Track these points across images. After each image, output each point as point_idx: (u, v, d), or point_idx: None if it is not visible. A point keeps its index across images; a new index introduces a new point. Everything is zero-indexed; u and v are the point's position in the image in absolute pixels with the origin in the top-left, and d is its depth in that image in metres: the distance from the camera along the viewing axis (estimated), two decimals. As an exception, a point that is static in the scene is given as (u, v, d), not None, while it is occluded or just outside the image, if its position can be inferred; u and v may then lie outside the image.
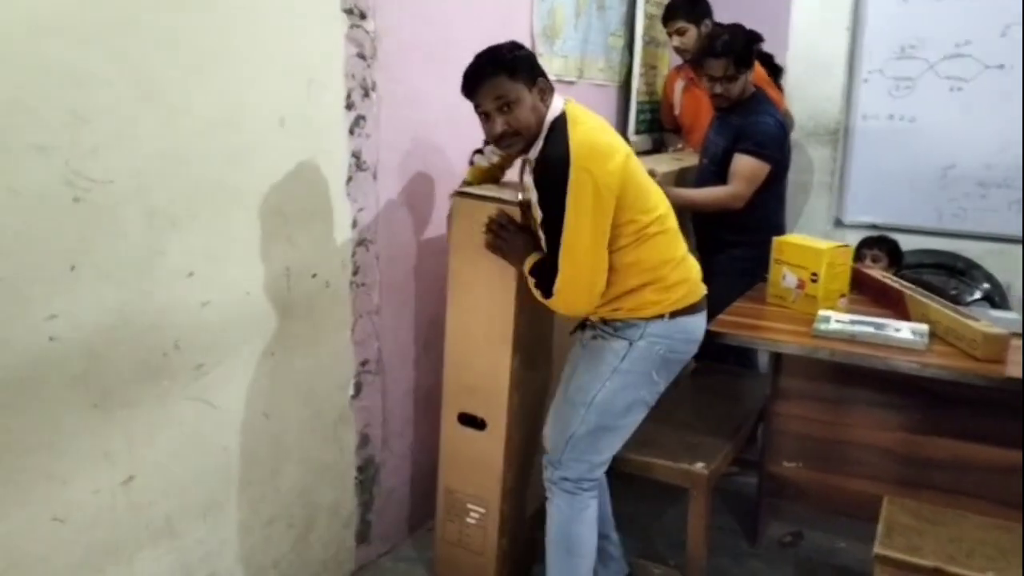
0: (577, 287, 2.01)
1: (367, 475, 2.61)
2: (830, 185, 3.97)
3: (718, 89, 3.02)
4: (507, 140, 2.06)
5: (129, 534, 1.89)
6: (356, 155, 2.37)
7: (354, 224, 2.41)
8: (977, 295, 3.59)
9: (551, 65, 3.23)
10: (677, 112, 3.85)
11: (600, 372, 2.14)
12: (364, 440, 2.57)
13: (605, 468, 2.26)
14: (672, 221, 2.17)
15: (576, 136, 1.99)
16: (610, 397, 2.14)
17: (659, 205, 2.13)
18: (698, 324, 2.22)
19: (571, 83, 3.42)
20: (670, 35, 3.62)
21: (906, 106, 3.82)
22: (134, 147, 1.77)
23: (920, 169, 3.83)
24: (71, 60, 1.63)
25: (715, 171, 3.11)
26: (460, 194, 2.37)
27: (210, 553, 2.11)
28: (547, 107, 2.06)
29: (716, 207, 3.06)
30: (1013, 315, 2.78)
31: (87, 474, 1.78)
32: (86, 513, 1.79)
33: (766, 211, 3.10)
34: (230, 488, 2.15)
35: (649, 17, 3.83)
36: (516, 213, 2.27)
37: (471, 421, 2.46)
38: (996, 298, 3.62)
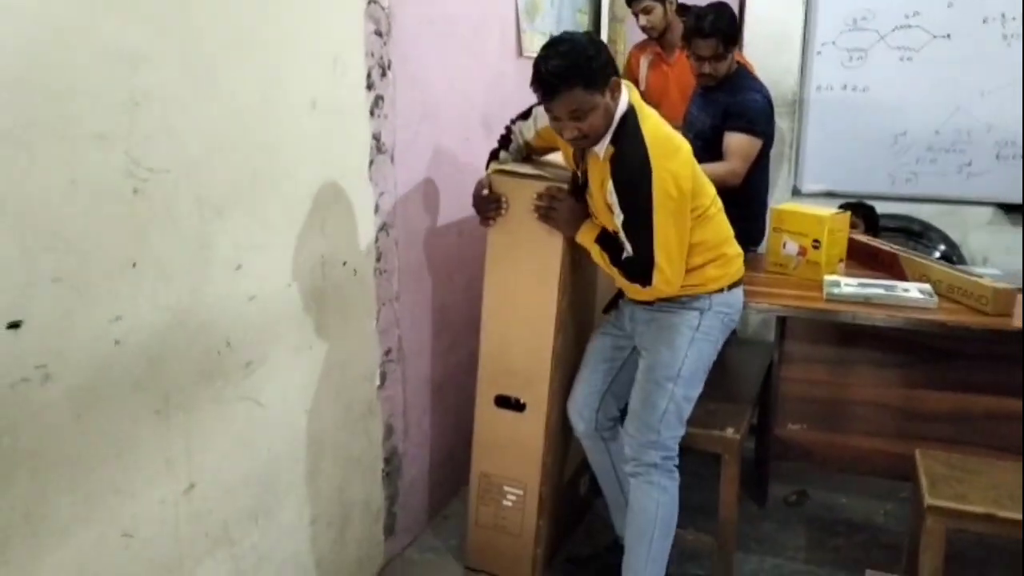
0: (674, 272, 2.09)
1: (392, 467, 2.54)
2: (788, 155, 4.09)
3: (707, 69, 3.04)
4: (576, 142, 2.08)
5: (191, 544, 1.78)
6: (376, 137, 2.29)
7: (376, 209, 2.33)
8: (936, 255, 3.77)
9: (532, 42, 3.20)
10: (643, 89, 3.88)
11: (678, 345, 2.19)
12: (389, 431, 2.51)
13: None
14: (720, 200, 2.25)
15: (649, 132, 2.03)
16: (693, 366, 2.21)
17: (711, 186, 2.21)
18: (742, 295, 2.34)
19: (548, 60, 3.39)
20: (636, 14, 3.63)
21: (859, 76, 3.96)
22: (185, 133, 1.65)
23: (873, 137, 3.98)
24: (126, 41, 1.51)
25: (702, 146, 3.13)
26: (499, 172, 2.33)
27: (262, 558, 2.02)
28: (617, 103, 2.05)
29: (714, 183, 3.10)
30: (994, 271, 2.93)
31: (152, 484, 1.67)
32: (152, 526, 1.68)
33: (755, 183, 3.15)
34: (278, 489, 2.06)
35: (611, -8, 3.84)
36: (564, 188, 2.26)
37: (508, 403, 2.43)
38: (954, 257, 3.81)
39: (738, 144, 3.00)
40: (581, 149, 2.17)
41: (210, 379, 1.79)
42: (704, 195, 2.15)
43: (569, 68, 1.94)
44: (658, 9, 3.58)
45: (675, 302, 2.19)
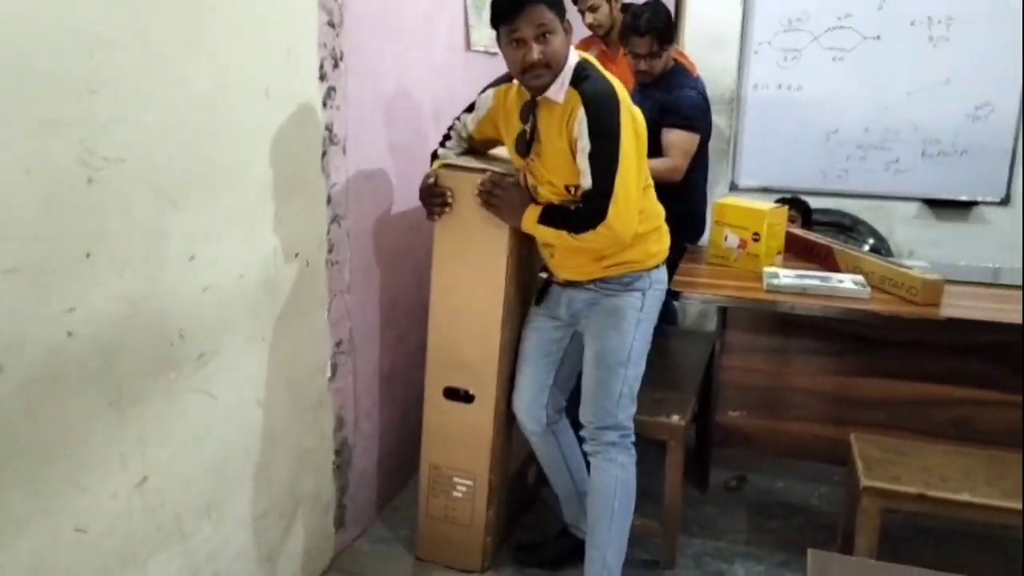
0: (630, 212, 2.10)
1: (343, 459, 2.54)
2: (727, 151, 4.20)
3: (643, 66, 3.09)
4: (537, 70, 2.07)
5: (143, 538, 1.76)
6: (329, 128, 2.29)
7: (328, 200, 2.32)
8: (866, 248, 3.91)
9: (480, 36, 3.22)
10: None
11: (625, 329, 2.24)
12: (340, 423, 2.51)
13: None
14: None
15: (609, 77, 2.13)
16: (640, 348, 2.28)
17: None
18: (666, 271, 2.40)
19: (495, 54, 3.41)
20: (582, 12, 3.66)
21: (793, 75, 4.08)
22: (141, 121, 1.63)
23: (806, 134, 4.11)
24: (81, 24, 1.48)
25: None
26: (445, 166, 2.34)
27: (214, 551, 2.00)
28: (569, 46, 2.11)
29: (656, 179, 3.16)
30: (921, 263, 3.06)
31: (105, 478, 1.65)
32: (105, 520, 1.66)
33: (694, 179, 3.23)
34: (230, 482, 2.04)
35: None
36: (507, 176, 2.28)
37: (457, 395, 2.45)
38: (883, 250, 3.96)
39: (677, 140, 3.05)
40: (530, 106, 2.18)
41: (163, 371, 1.77)
42: (646, 163, 2.21)
43: None
44: (604, 7, 3.61)
45: (616, 282, 2.24)
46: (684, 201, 3.17)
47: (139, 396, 1.71)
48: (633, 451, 2.33)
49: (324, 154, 2.28)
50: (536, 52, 2.04)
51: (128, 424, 1.69)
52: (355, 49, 2.38)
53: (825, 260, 2.97)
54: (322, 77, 2.23)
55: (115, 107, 1.56)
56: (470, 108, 2.42)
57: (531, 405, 2.42)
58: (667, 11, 3.12)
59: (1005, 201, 4.01)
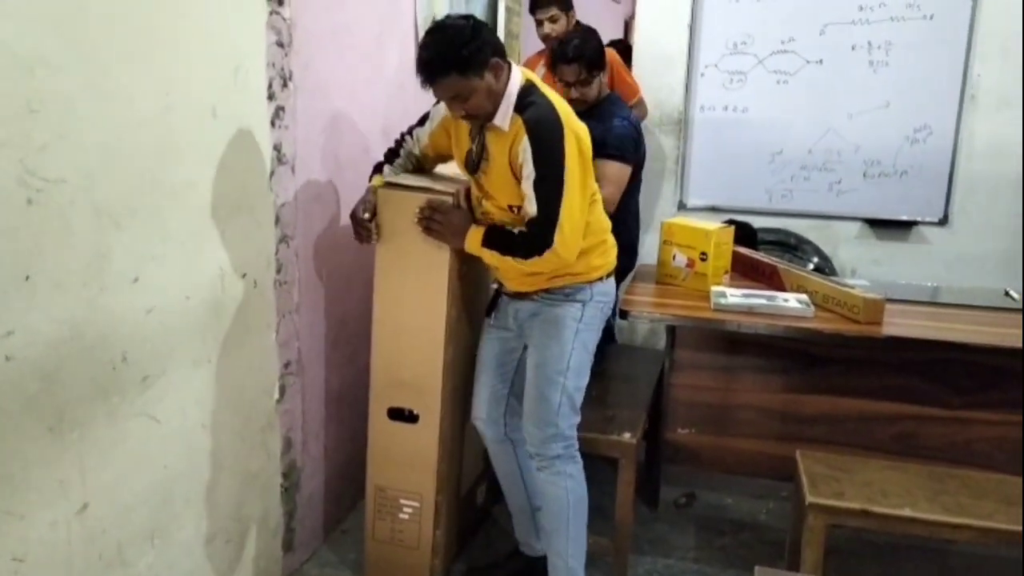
0: (575, 236, 2.12)
1: (291, 481, 2.51)
2: (675, 171, 4.25)
3: (574, 94, 3.02)
4: (467, 119, 2.17)
5: (84, 567, 1.72)
6: (277, 148, 2.27)
7: (276, 220, 2.30)
8: (810, 267, 3.98)
9: (430, 56, 3.22)
10: None
11: (565, 338, 2.25)
12: (288, 445, 2.47)
13: None
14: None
15: (554, 98, 2.15)
16: (580, 358, 2.28)
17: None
18: (614, 284, 2.42)
19: (445, 74, 3.42)
20: (540, 22, 3.64)
21: (739, 97, 4.15)
22: (83, 141, 1.61)
23: (752, 155, 4.18)
24: (22, 44, 1.46)
25: None
26: (387, 185, 2.34)
27: (158, 579, 1.96)
28: (505, 81, 2.12)
29: None
30: (863, 282, 3.14)
31: (44, 506, 1.61)
32: (43, 549, 1.62)
33: (626, 202, 3.19)
34: (174, 507, 2.00)
35: (508, 11, 3.90)
36: (446, 201, 2.28)
37: (402, 415, 2.44)
38: (827, 269, 4.04)
39: (610, 172, 2.98)
40: (478, 126, 2.21)
41: (106, 395, 1.73)
42: (592, 178, 2.23)
43: (442, 57, 2.02)
44: (563, 20, 3.60)
45: (559, 293, 2.26)
46: (617, 225, 3.17)
47: (80, 421, 1.67)
48: (579, 458, 2.35)
49: (272, 173, 2.26)
50: (458, 110, 2.12)
51: (68, 450, 1.65)
52: (305, 68, 2.36)
53: (771, 279, 3.02)
54: (271, 96, 2.22)
55: (56, 127, 1.54)
56: (422, 121, 2.43)
57: (489, 411, 2.45)
58: (597, 39, 3.10)
59: (943, 221, 4.12)
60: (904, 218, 4.14)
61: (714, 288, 2.79)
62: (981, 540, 2.17)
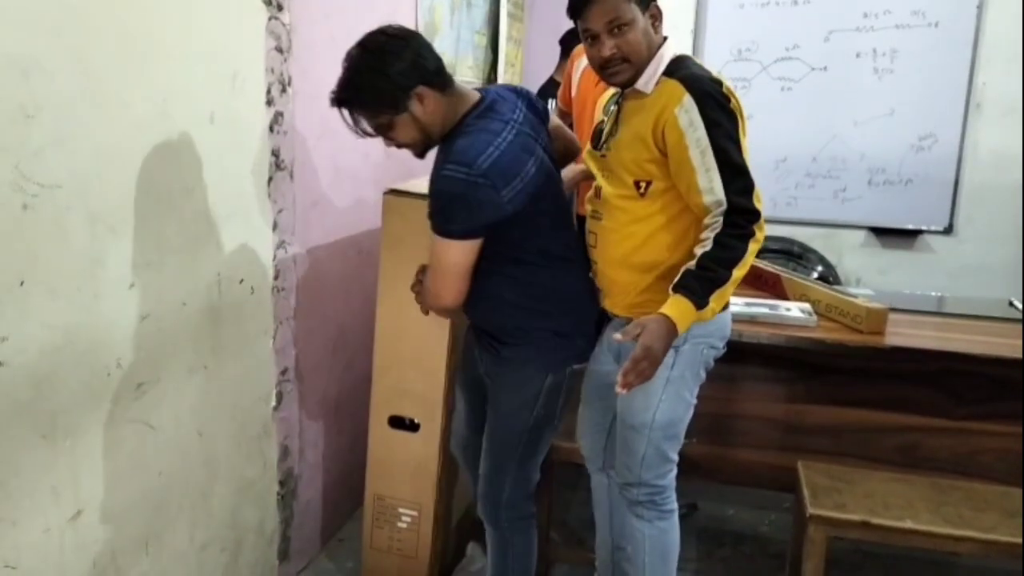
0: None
1: (287, 489, 2.49)
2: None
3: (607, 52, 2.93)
4: (614, 67, 1.85)
5: (76, 574, 1.71)
6: (275, 153, 2.26)
7: (274, 226, 2.29)
8: (814, 275, 3.97)
9: (432, 62, 3.22)
10: (573, 93, 3.42)
11: (652, 388, 1.91)
12: (284, 453, 2.46)
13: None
14: None
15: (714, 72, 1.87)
16: (669, 412, 1.98)
17: None
18: (729, 319, 2.08)
19: (447, 80, 3.42)
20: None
21: (743, 104, 4.13)
22: (79, 147, 1.60)
23: (756, 162, 4.10)
24: (17, 49, 1.45)
25: None
26: (393, 192, 2.33)
27: (152, 587, 1.95)
28: (658, 36, 1.87)
29: None
30: (867, 291, 3.11)
31: (36, 513, 1.59)
32: (36, 556, 1.60)
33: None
34: (168, 514, 1.99)
35: (510, 16, 3.90)
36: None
37: (403, 424, 2.42)
38: (831, 277, 4.03)
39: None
40: (617, 97, 1.98)
41: (100, 401, 1.72)
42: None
43: None
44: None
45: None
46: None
47: (74, 427, 1.66)
48: (667, 507, 2.11)
49: (270, 180, 2.25)
50: (608, 48, 1.82)
51: (61, 456, 1.64)
52: (304, 74, 2.36)
53: (773, 288, 3.00)
54: (269, 102, 2.21)
55: (51, 132, 1.53)
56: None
57: (591, 445, 2.26)
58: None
59: (948, 230, 4.10)
60: (909, 227, 4.13)
61: (716, 297, 2.76)
62: (983, 553, 2.14)
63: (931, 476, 2.46)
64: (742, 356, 2.88)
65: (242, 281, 2.17)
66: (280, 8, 2.21)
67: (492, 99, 1.94)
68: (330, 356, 2.69)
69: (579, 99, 3.41)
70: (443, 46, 3.31)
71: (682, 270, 1.78)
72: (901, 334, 2.60)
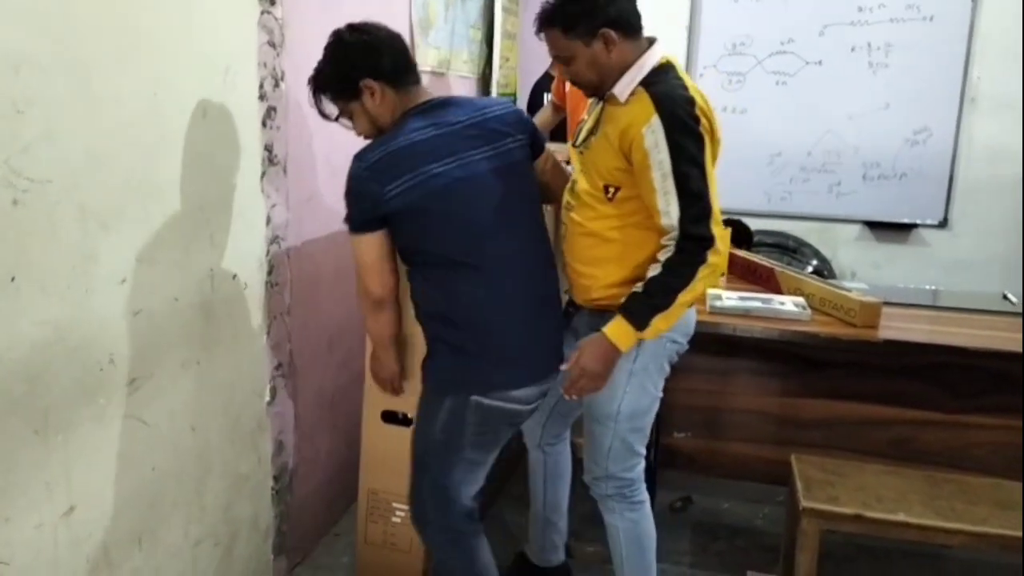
0: (722, 243, 1.88)
1: (282, 484, 2.50)
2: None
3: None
4: (575, 86, 2.03)
5: (70, 570, 1.71)
6: (268, 148, 2.26)
7: (268, 221, 2.29)
8: (809, 269, 3.98)
9: (426, 57, 3.22)
10: (567, 88, 3.45)
11: (616, 381, 1.99)
12: (279, 447, 2.46)
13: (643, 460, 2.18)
14: None
15: (688, 81, 1.90)
16: (633, 403, 2.05)
17: None
18: (693, 317, 2.15)
19: (441, 74, 3.42)
20: None
21: (738, 99, 4.15)
22: (69, 142, 1.60)
23: (751, 156, 4.18)
24: (7, 44, 1.44)
25: None
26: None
27: (146, 582, 1.95)
28: (617, 55, 1.89)
29: None
30: (861, 285, 3.12)
31: (29, 508, 1.59)
32: (29, 552, 1.60)
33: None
34: (162, 510, 1.99)
35: (504, 11, 3.89)
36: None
37: (395, 418, 2.42)
38: (825, 271, 4.03)
39: None
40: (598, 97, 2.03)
41: (92, 397, 1.72)
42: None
43: (550, 10, 1.91)
44: None
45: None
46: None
47: (66, 423, 1.66)
48: (637, 499, 2.18)
49: (263, 174, 2.25)
50: (563, 72, 2.01)
51: (54, 452, 1.64)
52: (297, 68, 2.35)
53: (767, 282, 3.00)
54: (262, 97, 2.21)
55: (42, 127, 1.53)
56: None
57: (532, 421, 2.29)
58: None
59: (943, 224, 4.11)
60: (904, 221, 4.13)
61: (710, 291, 2.77)
62: (975, 545, 2.15)
63: (924, 469, 2.46)
64: (736, 350, 2.90)
65: (235, 276, 2.17)
66: (272, 3, 2.21)
67: (440, 102, 1.97)
68: (324, 351, 2.69)
69: (572, 94, 3.42)
70: (437, 40, 3.31)
71: (631, 291, 1.89)
72: (894, 328, 2.61)
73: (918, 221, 4.11)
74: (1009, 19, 3.81)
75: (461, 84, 3.64)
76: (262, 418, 2.37)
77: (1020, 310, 2.96)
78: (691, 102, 1.83)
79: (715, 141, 1.91)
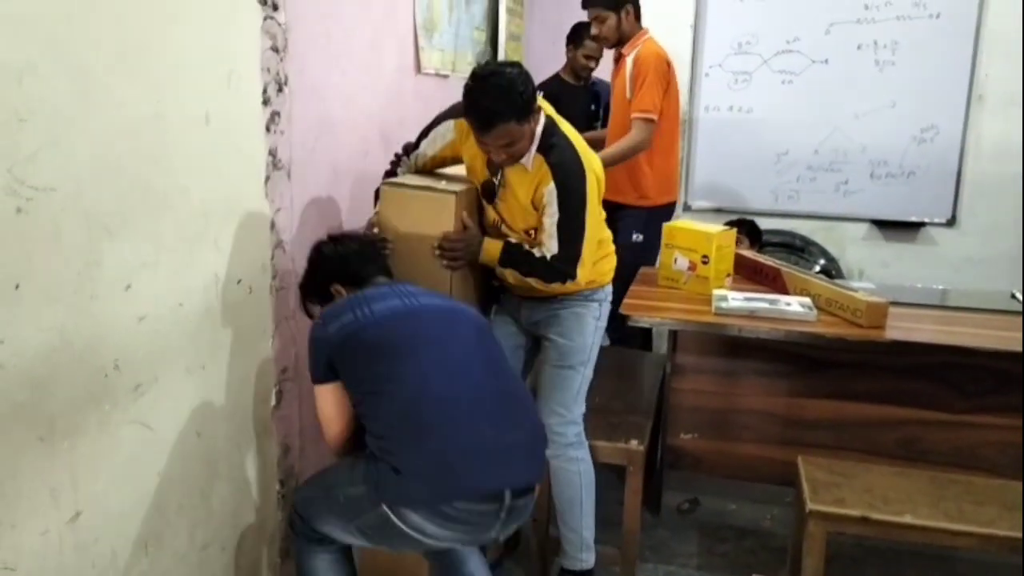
0: (590, 268, 2.35)
1: (288, 488, 2.50)
2: (679, 172, 4.22)
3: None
4: (503, 163, 2.26)
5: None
6: (272, 153, 2.26)
7: (272, 226, 2.30)
8: (816, 269, 3.96)
9: (431, 59, 3.22)
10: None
11: (587, 332, 2.45)
12: (285, 451, 2.47)
13: None
14: None
15: (572, 137, 2.29)
16: (596, 349, 2.50)
17: None
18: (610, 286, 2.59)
19: (446, 77, 3.42)
20: (590, 21, 3.55)
21: (744, 98, 4.13)
22: (73, 149, 1.60)
23: (757, 156, 4.16)
24: (10, 53, 1.45)
25: None
26: (389, 184, 2.34)
27: (152, 587, 1.95)
28: (538, 123, 2.24)
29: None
30: (869, 285, 3.11)
31: (35, 515, 1.59)
32: (34, 558, 1.61)
33: None
34: (168, 515, 1.99)
35: (509, 12, 3.89)
36: (449, 201, 2.28)
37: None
38: (833, 271, 4.01)
39: None
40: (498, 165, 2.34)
41: (97, 403, 1.73)
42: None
43: (504, 105, 2.09)
44: (611, 19, 3.45)
45: (579, 296, 2.43)
46: None
47: (71, 429, 1.67)
48: (586, 442, 2.49)
49: (267, 179, 2.25)
50: (500, 154, 2.21)
51: (59, 458, 1.64)
52: (300, 73, 2.36)
53: (774, 282, 3.00)
54: (265, 101, 2.21)
55: (45, 135, 1.53)
56: (419, 140, 2.51)
57: None
58: None
59: (951, 222, 4.09)
60: (912, 219, 4.11)
61: (716, 291, 2.77)
62: (982, 547, 2.14)
63: (932, 470, 2.46)
64: (742, 351, 2.90)
65: (240, 281, 2.17)
66: (275, 8, 2.21)
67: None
68: (330, 354, 2.69)
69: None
70: (441, 43, 3.31)
71: (522, 245, 2.34)
72: (901, 328, 2.60)
73: (926, 220, 4.09)
74: (1016, 16, 3.79)
75: (466, 86, 3.64)
76: (268, 422, 2.37)
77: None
78: (579, 164, 2.25)
79: (601, 186, 2.34)
